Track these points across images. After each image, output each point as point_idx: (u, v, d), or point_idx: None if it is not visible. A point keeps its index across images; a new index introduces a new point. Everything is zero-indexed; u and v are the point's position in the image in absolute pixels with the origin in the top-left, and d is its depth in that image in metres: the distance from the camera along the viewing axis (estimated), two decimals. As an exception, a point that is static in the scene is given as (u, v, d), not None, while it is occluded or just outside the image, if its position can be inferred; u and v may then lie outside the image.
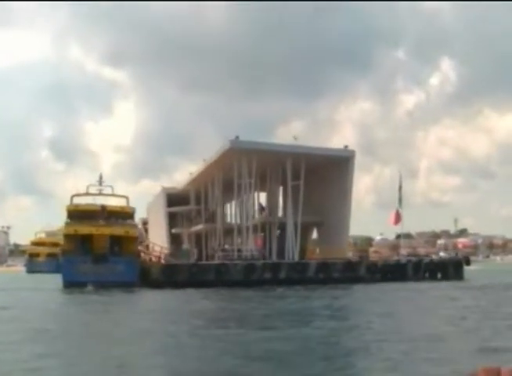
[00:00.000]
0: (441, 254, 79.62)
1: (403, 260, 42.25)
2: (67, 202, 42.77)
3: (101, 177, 46.82)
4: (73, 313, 22.89)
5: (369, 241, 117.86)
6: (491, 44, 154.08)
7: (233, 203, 59.00)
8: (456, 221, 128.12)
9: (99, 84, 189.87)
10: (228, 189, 51.95)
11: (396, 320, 18.50)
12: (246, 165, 43.40)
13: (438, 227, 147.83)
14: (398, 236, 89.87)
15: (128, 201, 47.01)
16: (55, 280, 54.63)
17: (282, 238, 45.43)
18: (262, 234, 48.91)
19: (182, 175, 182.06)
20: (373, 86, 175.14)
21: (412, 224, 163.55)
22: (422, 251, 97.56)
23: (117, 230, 38.07)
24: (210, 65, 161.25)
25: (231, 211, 58.51)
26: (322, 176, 45.86)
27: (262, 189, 51.52)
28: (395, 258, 46.03)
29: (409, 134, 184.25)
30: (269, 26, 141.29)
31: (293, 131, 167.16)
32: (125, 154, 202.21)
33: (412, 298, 27.38)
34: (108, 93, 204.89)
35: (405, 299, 26.63)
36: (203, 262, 42.00)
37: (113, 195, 47.15)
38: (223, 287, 33.16)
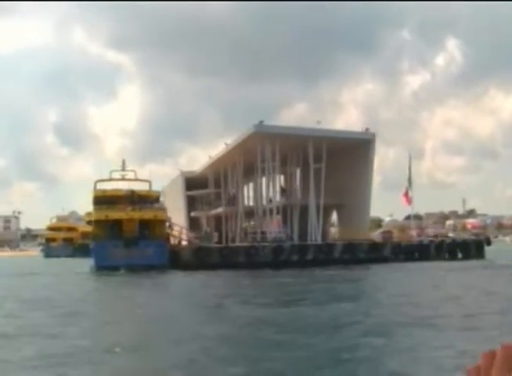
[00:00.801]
0: (450, 234, 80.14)
1: (426, 240, 43.06)
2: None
3: (124, 162, 47.57)
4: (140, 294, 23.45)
5: (378, 222, 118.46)
6: (496, 24, 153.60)
7: (250, 186, 59.92)
8: (464, 201, 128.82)
9: (103, 69, 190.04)
10: (248, 173, 52.75)
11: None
12: (269, 149, 43.96)
13: (444, 208, 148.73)
14: (408, 217, 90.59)
15: (150, 185, 47.72)
16: (79, 263, 55.91)
17: (303, 220, 46.13)
18: (278, 216, 49.72)
19: (186, 158, 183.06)
20: (377, 68, 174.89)
21: (419, 205, 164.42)
22: (431, 231, 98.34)
23: (146, 214, 38.84)
24: (214, 50, 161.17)
25: (249, 194, 59.09)
26: (342, 159, 46.40)
27: (280, 172, 52.15)
28: (418, 238, 46.70)
29: (414, 115, 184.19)
30: (271, 10, 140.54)
31: (297, 113, 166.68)
32: (130, 138, 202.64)
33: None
34: (112, 77, 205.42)
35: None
36: (230, 244, 42.56)
37: (136, 180, 47.84)
38: (252, 268, 33.97)
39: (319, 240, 43.04)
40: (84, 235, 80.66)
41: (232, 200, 56.05)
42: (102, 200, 41.45)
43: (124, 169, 47.40)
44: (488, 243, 43.52)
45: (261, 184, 53.91)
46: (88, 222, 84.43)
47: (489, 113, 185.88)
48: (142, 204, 40.36)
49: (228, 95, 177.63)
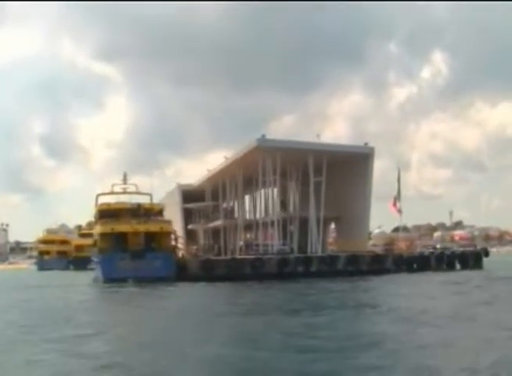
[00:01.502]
0: (438, 246, 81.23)
1: (426, 252, 44.06)
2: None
3: (125, 176, 48.08)
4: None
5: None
6: (482, 36, 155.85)
7: (247, 198, 60.64)
8: (451, 213, 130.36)
9: (90, 80, 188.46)
10: (246, 186, 53.56)
11: None
12: (270, 162, 44.81)
13: (431, 220, 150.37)
14: (396, 229, 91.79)
15: (151, 198, 48.31)
16: (77, 276, 56.06)
17: (302, 232, 46.92)
18: (273, 229, 50.56)
19: (173, 170, 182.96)
20: (364, 80, 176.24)
21: (406, 217, 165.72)
22: (419, 244, 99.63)
23: (152, 227, 39.30)
24: (202, 60, 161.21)
25: (248, 207, 59.75)
26: (341, 172, 47.27)
27: (280, 185, 53.02)
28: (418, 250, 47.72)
29: (401, 127, 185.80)
30: (260, 22, 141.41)
31: (285, 125, 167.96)
32: (117, 150, 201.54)
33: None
34: (99, 89, 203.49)
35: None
36: (237, 256, 42.97)
37: (137, 193, 48.42)
38: (258, 280, 34.56)
39: (319, 252, 43.89)
40: (78, 248, 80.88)
41: (230, 213, 56.84)
42: (107, 213, 41.93)
43: (125, 182, 48.02)
44: (486, 254, 44.66)
45: (260, 197, 54.94)
46: (82, 235, 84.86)
47: (475, 125, 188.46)
48: (146, 217, 40.87)
49: (216, 107, 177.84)
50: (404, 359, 10.71)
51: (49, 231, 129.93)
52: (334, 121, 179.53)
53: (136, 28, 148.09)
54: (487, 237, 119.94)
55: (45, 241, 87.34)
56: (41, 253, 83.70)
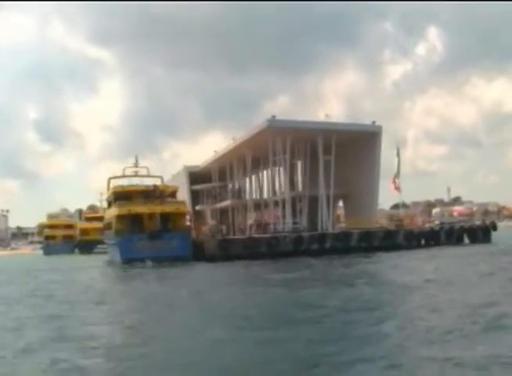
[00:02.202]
0: (436, 222, 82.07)
1: (436, 227, 44.89)
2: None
3: (136, 159, 48.75)
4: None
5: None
6: (476, 12, 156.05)
7: (253, 178, 61.16)
8: (449, 190, 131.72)
9: (84, 64, 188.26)
10: (254, 166, 54.09)
11: None
12: (280, 143, 45.41)
13: (427, 196, 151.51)
14: (395, 206, 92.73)
15: (162, 180, 48.99)
16: (88, 259, 56.68)
17: (312, 211, 47.61)
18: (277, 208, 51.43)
19: (168, 153, 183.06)
20: (358, 58, 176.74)
21: (404, 194, 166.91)
22: (419, 220, 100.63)
23: (168, 208, 39.98)
24: (195, 43, 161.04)
25: (255, 187, 60.24)
26: (349, 151, 47.87)
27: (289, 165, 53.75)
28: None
29: (396, 104, 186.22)
30: (254, 2, 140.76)
31: (279, 106, 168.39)
32: (112, 134, 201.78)
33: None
34: (93, 73, 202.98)
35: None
36: (254, 235, 43.50)
37: (148, 176, 49.07)
38: (274, 258, 35.25)
39: (330, 230, 44.68)
40: (84, 232, 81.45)
41: (238, 193, 57.45)
42: (121, 195, 42.55)
43: (136, 165, 48.62)
44: (495, 228, 45.54)
45: (268, 177, 55.57)
46: (87, 219, 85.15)
47: (471, 101, 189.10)
48: (160, 199, 41.49)
49: (211, 89, 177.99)
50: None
51: (50, 216, 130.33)
52: (329, 100, 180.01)
53: (129, 12, 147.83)
54: (486, 213, 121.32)
55: (50, 226, 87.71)
56: (47, 238, 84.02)
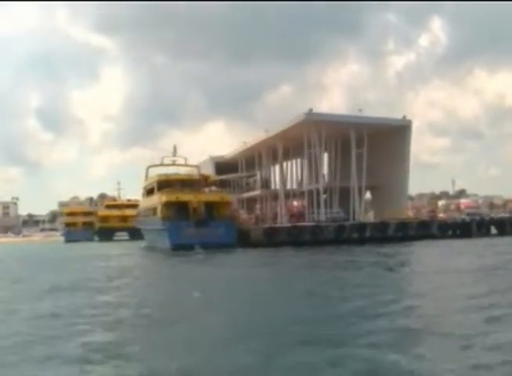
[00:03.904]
0: (441, 215, 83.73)
1: (468, 218, 46.86)
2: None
3: (175, 149, 50.28)
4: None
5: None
6: (480, 4, 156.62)
7: (277, 169, 62.84)
8: (453, 182, 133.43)
9: (87, 53, 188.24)
10: (284, 157, 55.81)
11: None
12: (316, 135, 47.16)
13: (431, 188, 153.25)
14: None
15: (199, 170, 50.60)
16: (118, 246, 57.93)
17: (343, 201, 49.37)
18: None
19: (170, 142, 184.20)
20: (361, 49, 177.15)
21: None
22: (425, 212, 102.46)
23: (213, 197, 41.72)
24: (198, 32, 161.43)
25: (284, 177, 61.86)
26: (379, 144, 49.54)
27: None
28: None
29: (399, 95, 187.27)
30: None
31: (281, 96, 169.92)
32: (114, 122, 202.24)
33: None
34: (95, 61, 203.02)
35: None
36: (298, 224, 45.30)
37: (186, 165, 50.71)
38: (317, 245, 37.08)
39: (362, 220, 46.51)
40: (104, 219, 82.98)
41: (266, 183, 59.19)
42: (165, 184, 44.16)
43: (174, 155, 50.19)
44: (522, 220, 47.54)
45: (297, 167, 57.51)
46: (107, 206, 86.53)
47: (473, 93, 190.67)
48: (202, 187, 43.22)
49: (213, 78, 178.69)
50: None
51: (62, 204, 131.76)
52: (331, 90, 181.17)
53: (133, 0, 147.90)
54: (492, 205, 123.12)
55: (69, 213, 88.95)
56: (68, 225, 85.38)
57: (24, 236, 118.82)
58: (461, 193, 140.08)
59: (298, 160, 59.39)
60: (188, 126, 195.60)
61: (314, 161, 49.11)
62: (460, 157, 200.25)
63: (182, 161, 50.04)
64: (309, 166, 52.22)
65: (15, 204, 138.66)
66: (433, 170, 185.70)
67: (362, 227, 41.04)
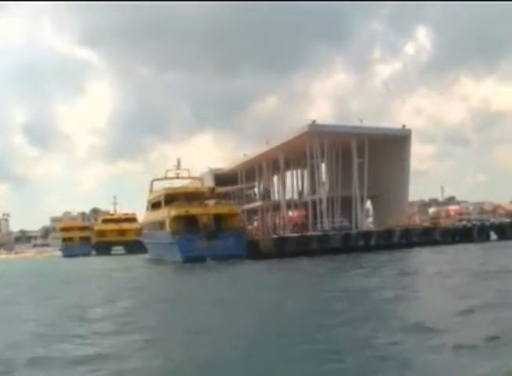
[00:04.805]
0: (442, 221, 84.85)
1: (468, 224, 48.01)
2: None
3: (179, 162, 51.12)
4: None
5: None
6: (465, 11, 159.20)
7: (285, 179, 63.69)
8: (442, 189, 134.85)
9: (72, 66, 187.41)
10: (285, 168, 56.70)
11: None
12: (318, 146, 48.18)
13: (420, 196, 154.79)
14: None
15: (202, 182, 51.40)
16: (116, 259, 58.14)
17: (345, 210, 50.32)
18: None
19: (157, 155, 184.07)
20: (347, 58, 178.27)
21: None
22: (417, 219, 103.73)
23: (221, 209, 42.44)
24: (184, 44, 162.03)
25: (285, 188, 62.70)
26: (380, 153, 50.61)
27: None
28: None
29: (386, 104, 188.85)
30: (242, 2, 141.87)
31: (268, 106, 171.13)
32: (100, 136, 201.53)
33: None
34: (81, 75, 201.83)
35: None
36: (307, 233, 46.02)
37: (189, 178, 51.55)
38: (324, 254, 37.91)
39: (364, 228, 47.50)
40: (100, 233, 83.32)
41: (267, 194, 60.02)
42: (171, 197, 44.82)
43: (178, 168, 50.99)
44: (521, 225, 48.79)
45: (297, 178, 58.46)
46: (104, 221, 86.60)
47: (460, 100, 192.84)
48: (208, 200, 43.94)
49: (200, 90, 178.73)
50: None
51: (54, 219, 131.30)
52: (318, 100, 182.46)
53: (118, 13, 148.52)
54: (482, 211, 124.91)
55: (65, 228, 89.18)
56: (65, 240, 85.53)
57: (16, 252, 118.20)
58: (450, 200, 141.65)
59: (299, 171, 60.41)
60: (176, 138, 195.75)
61: (316, 172, 50.07)
62: (448, 163, 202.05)
63: (185, 174, 50.87)
64: (311, 176, 53.14)
65: (6, 220, 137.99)
66: (421, 177, 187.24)
67: (367, 235, 42.06)
